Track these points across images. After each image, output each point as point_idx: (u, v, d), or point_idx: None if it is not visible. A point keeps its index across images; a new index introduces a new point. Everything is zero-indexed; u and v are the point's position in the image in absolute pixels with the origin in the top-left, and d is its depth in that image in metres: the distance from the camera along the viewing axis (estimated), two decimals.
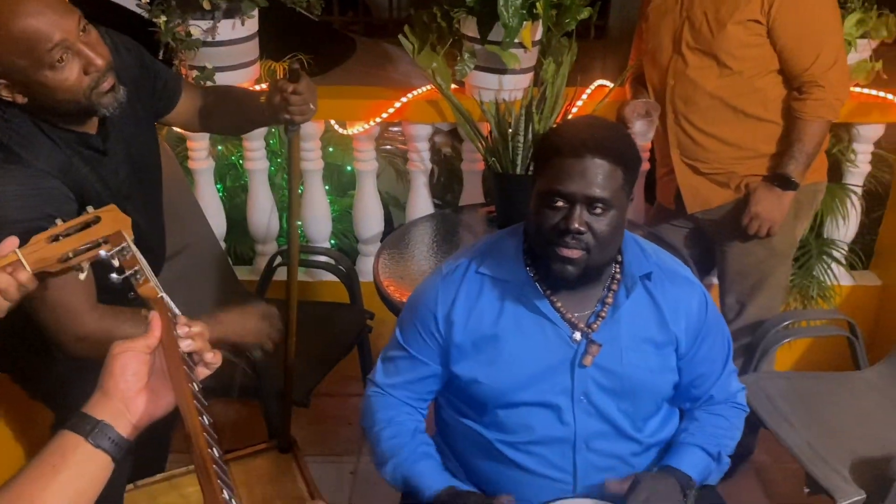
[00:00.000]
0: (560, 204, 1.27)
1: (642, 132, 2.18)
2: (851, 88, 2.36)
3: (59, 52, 1.27)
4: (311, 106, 1.57)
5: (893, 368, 2.14)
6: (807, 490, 1.88)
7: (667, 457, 1.44)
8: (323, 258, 2.55)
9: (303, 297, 2.07)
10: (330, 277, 2.56)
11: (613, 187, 1.26)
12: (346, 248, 2.87)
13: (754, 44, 1.98)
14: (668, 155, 2.21)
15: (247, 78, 2.43)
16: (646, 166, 2.59)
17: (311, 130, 2.51)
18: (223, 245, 2.63)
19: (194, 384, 0.88)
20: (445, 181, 3.17)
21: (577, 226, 1.25)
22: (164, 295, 0.94)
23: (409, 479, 1.41)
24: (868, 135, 2.55)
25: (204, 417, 0.85)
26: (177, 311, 0.95)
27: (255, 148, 2.57)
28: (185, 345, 0.91)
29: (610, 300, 1.37)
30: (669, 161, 2.22)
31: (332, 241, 2.81)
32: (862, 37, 2.33)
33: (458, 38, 2.38)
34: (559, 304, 1.37)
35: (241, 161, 2.76)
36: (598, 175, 1.25)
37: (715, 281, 2.41)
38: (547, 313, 1.36)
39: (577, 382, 1.36)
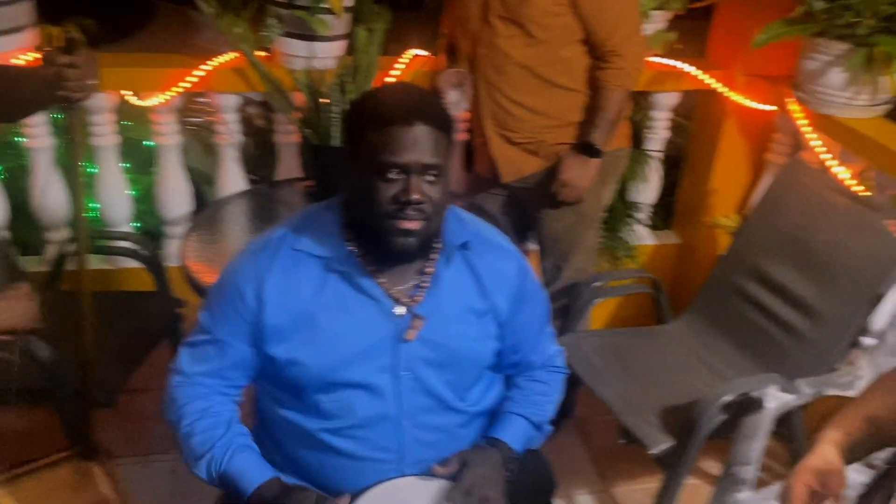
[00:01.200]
0: (395, 175, 1.22)
1: (456, 102, 2.17)
2: (649, 58, 2.50)
3: None
4: (90, 81, 1.39)
5: (693, 320, 2.31)
6: (621, 441, 1.99)
7: (491, 428, 1.44)
8: (124, 243, 2.33)
9: (102, 287, 1.88)
10: (133, 264, 2.35)
11: (443, 153, 1.24)
12: (154, 230, 2.65)
13: (559, 13, 2.02)
14: (482, 125, 2.22)
15: (20, 44, 2.14)
16: (464, 136, 2.60)
17: (102, 102, 2.27)
18: (6, 234, 2.33)
19: None
20: (260, 155, 3.01)
21: (416, 196, 1.22)
22: None
23: (227, 474, 1.31)
24: (665, 102, 2.72)
25: None
26: None
27: (37, 124, 2.28)
28: None
29: (430, 270, 1.34)
30: (484, 131, 2.23)
31: (137, 224, 2.58)
32: (657, 8, 2.46)
33: (264, 3, 2.24)
34: (380, 279, 1.32)
35: (20, 139, 2.45)
36: (428, 141, 1.22)
37: (533, 247, 2.47)
38: (368, 289, 1.31)
39: (401, 358, 1.33)
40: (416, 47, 2.53)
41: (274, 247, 1.33)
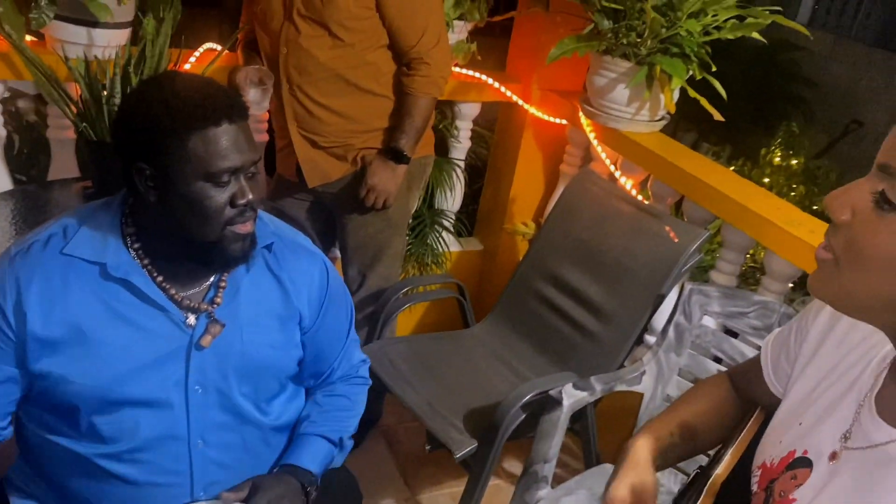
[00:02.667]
0: (224, 181, 1.14)
1: (256, 101, 2.07)
2: (452, 68, 2.54)
3: None
4: None
5: (495, 323, 2.36)
6: (428, 447, 1.98)
7: (287, 454, 1.36)
8: None
9: None
10: None
11: (255, 146, 1.18)
12: None
13: (364, 17, 1.99)
14: (286, 127, 2.14)
15: None
16: (264, 137, 2.49)
17: None
18: None
19: None
20: (30, 152, 2.69)
21: (252, 197, 1.16)
22: None
23: None
24: (468, 112, 2.78)
25: None
26: None
27: None
28: None
29: (228, 274, 1.24)
30: (287, 133, 2.15)
31: None
32: (459, 18, 2.51)
33: None
34: (169, 286, 1.20)
35: None
36: (244, 138, 1.15)
37: (338, 254, 2.41)
38: (154, 297, 1.18)
39: (193, 371, 1.21)
40: (212, 42, 2.38)
41: (37, 251, 1.16)
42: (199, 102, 1.11)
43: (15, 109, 2.69)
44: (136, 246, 1.19)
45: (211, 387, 1.24)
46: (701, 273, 2.33)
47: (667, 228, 2.08)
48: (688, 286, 1.86)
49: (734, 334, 1.83)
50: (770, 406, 1.05)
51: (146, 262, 1.19)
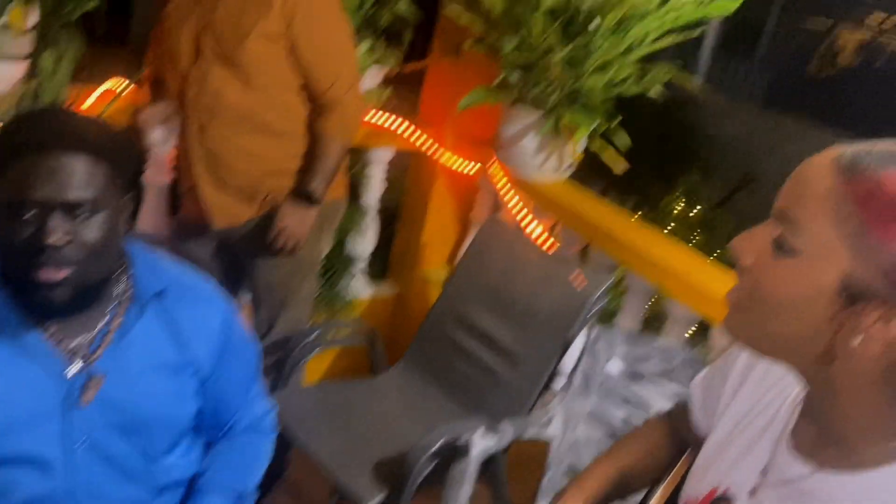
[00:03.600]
0: (29, 215, 1.02)
1: (161, 140, 2.01)
2: (365, 113, 2.55)
3: None
4: None
5: (407, 370, 2.34)
6: (333, 500, 1.92)
7: None
8: None
9: None
10: None
11: (98, 185, 1.06)
12: None
13: (276, 59, 1.97)
14: (192, 168, 2.08)
15: None
16: (168, 178, 2.41)
17: None
18: None
19: None
20: None
21: (52, 241, 1.02)
22: None
23: None
24: (380, 157, 2.78)
25: None
26: None
27: None
28: None
29: (118, 322, 1.17)
30: (193, 174, 2.09)
31: None
32: (372, 65, 2.53)
33: None
34: (50, 332, 1.12)
35: None
36: (75, 172, 1.03)
37: (246, 298, 2.35)
38: (29, 344, 1.10)
39: (75, 426, 1.13)
40: (113, 82, 2.31)
41: None
42: (27, 128, 1.05)
43: None
44: (10, 286, 1.11)
45: (96, 442, 1.16)
46: (607, 318, 2.38)
47: (573, 274, 2.12)
48: (594, 330, 1.90)
49: (641, 377, 1.87)
50: (699, 447, 1.06)
51: (21, 302, 1.11)
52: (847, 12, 9.95)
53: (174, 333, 1.23)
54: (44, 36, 2.04)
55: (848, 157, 0.73)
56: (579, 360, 1.91)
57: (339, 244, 2.82)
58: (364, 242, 2.86)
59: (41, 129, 1.04)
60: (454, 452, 1.77)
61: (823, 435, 0.81)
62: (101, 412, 1.15)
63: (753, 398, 0.96)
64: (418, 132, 2.72)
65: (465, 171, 2.75)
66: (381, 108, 2.65)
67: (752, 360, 0.99)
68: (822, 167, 0.74)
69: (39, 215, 1.03)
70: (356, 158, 2.80)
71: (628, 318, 2.23)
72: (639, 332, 2.19)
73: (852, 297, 0.72)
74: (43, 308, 1.10)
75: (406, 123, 2.70)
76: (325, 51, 2.00)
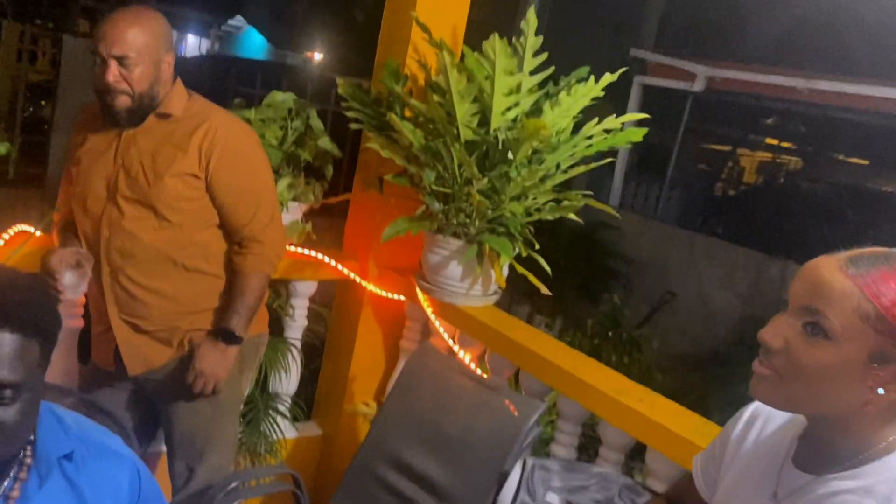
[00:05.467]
0: None
1: (73, 285, 1.92)
2: (287, 247, 2.53)
3: None
4: None
5: None
6: None
7: None
8: None
9: None
10: None
11: (28, 365, 1.00)
12: None
13: (193, 197, 1.95)
14: (105, 312, 1.99)
15: None
16: (79, 322, 2.30)
17: None
18: None
19: None
20: None
21: None
22: None
23: None
24: (303, 290, 2.74)
25: None
26: None
27: None
28: None
29: (16, 494, 1.07)
30: (106, 318, 2.00)
31: None
32: (293, 200, 2.53)
33: None
34: None
35: None
36: (5, 355, 0.97)
37: (162, 448, 2.20)
38: None
39: None
40: (26, 224, 2.23)
41: None
42: None
43: None
44: None
45: None
46: (542, 446, 2.33)
47: (506, 402, 2.08)
48: (529, 461, 1.84)
49: None
50: None
51: None
52: (744, 137, 10.77)
53: (79, 498, 1.13)
54: None
55: (852, 261, 0.97)
56: (516, 494, 1.83)
57: (262, 382, 2.70)
58: (288, 379, 2.76)
59: None
60: None
61: (823, 452, 1.05)
62: None
63: (755, 448, 1.19)
64: (344, 261, 2.71)
65: (392, 298, 2.73)
66: (302, 242, 2.63)
67: (751, 419, 1.22)
68: (833, 270, 0.98)
69: None
70: (278, 292, 2.75)
71: (563, 446, 2.19)
72: (574, 459, 2.14)
73: (877, 361, 0.96)
74: None
75: (332, 253, 2.69)
76: (242, 188, 1.99)
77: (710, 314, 6.53)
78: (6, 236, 2.14)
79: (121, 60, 1.83)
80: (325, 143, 2.59)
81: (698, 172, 10.81)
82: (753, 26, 9.24)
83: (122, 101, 1.86)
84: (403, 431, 2.20)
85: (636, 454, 2.21)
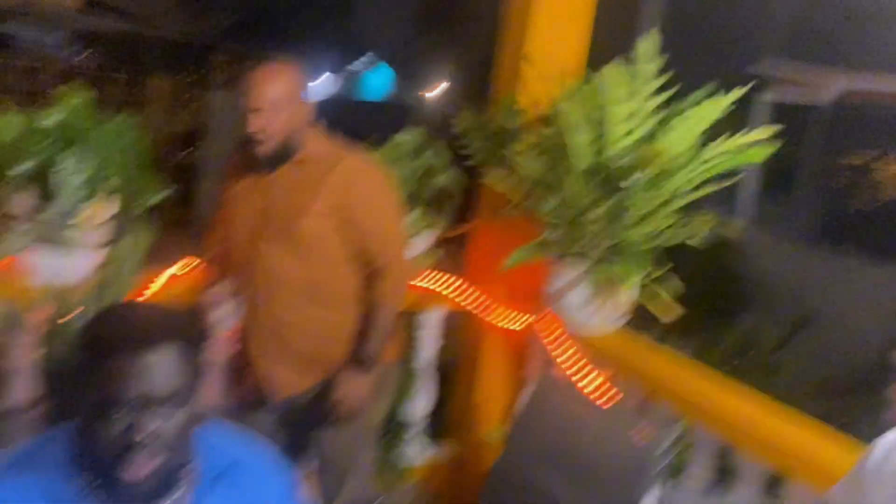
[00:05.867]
0: (120, 413, 1.07)
1: (223, 318, 2.10)
2: (414, 279, 2.63)
3: None
4: None
5: None
6: None
7: None
8: None
9: None
10: None
11: (183, 378, 1.11)
12: None
13: (328, 236, 2.07)
14: (252, 341, 2.15)
15: None
16: (229, 353, 2.48)
17: None
18: None
19: None
20: None
21: (143, 439, 1.07)
22: None
23: None
24: (431, 319, 2.83)
25: None
26: None
27: None
28: None
29: None
30: (253, 347, 2.15)
31: None
32: (421, 232, 2.64)
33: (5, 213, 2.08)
34: None
35: None
36: (162, 370, 1.09)
37: (307, 469, 2.33)
38: None
39: None
40: (180, 264, 2.45)
41: None
42: (117, 330, 1.10)
43: None
44: (85, 474, 1.14)
45: None
46: (674, 474, 2.28)
47: (635, 430, 2.06)
48: (662, 490, 1.82)
49: None
50: None
51: (94, 489, 1.13)
52: (884, 146, 10.06)
53: None
54: (119, 227, 2.20)
55: None
56: None
57: (394, 409, 2.81)
58: (417, 405, 2.85)
59: (129, 328, 1.10)
60: None
61: None
62: None
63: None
64: (468, 291, 2.78)
65: (515, 328, 2.76)
66: (430, 271, 2.73)
67: (889, 452, 1.18)
68: None
69: (130, 413, 1.07)
70: (408, 321, 2.85)
71: (696, 475, 2.13)
72: (709, 489, 2.08)
73: None
74: (120, 500, 1.12)
75: (455, 283, 2.77)
76: (374, 226, 2.11)
77: (850, 336, 6.14)
78: (165, 276, 2.36)
79: (260, 112, 1.99)
80: (449, 176, 2.69)
81: (831, 187, 10.20)
82: (887, 31, 8.69)
83: (264, 149, 2.03)
84: (532, 457, 2.23)
85: (776, 483, 2.13)
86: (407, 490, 2.64)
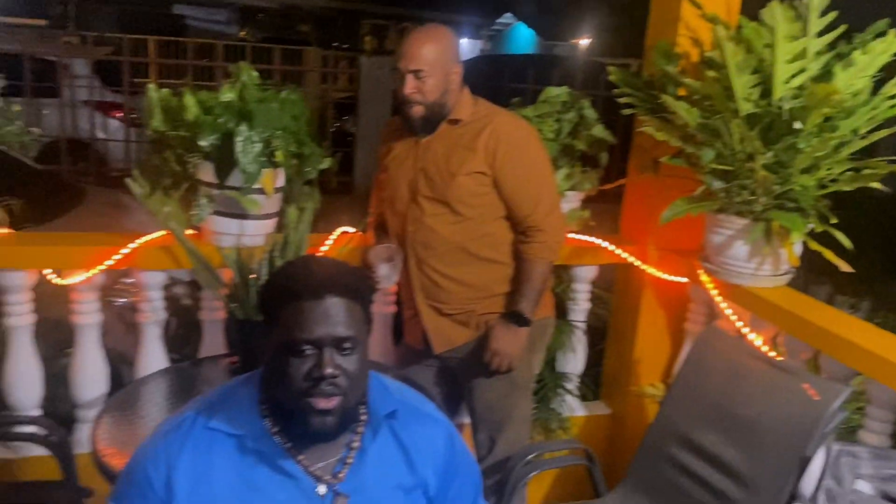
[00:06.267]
0: (307, 351, 1.20)
1: (386, 276, 2.22)
2: (567, 234, 2.64)
3: None
4: None
5: (628, 492, 2.26)
6: None
7: None
8: (30, 428, 2.18)
9: (2, 477, 1.72)
10: (39, 451, 2.19)
11: (356, 324, 1.23)
12: (64, 415, 2.50)
13: (482, 192, 2.14)
14: (413, 298, 2.26)
15: None
16: (392, 308, 2.62)
17: (19, 281, 2.22)
18: None
19: None
20: (184, 333, 2.95)
21: (330, 370, 1.19)
22: None
23: None
24: (585, 275, 2.83)
25: None
26: None
27: None
28: None
29: (356, 444, 1.29)
30: (414, 304, 2.26)
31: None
32: (570, 189, 2.63)
33: (194, 184, 2.30)
34: (301, 457, 1.26)
35: None
36: (340, 314, 1.21)
37: (466, 420, 2.43)
38: (288, 468, 1.25)
39: None
40: (345, 226, 2.61)
41: (187, 426, 1.26)
42: (300, 276, 1.22)
43: (171, 295, 2.98)
44: (268, 416, 1.27)
45: None
46: (848, 433, 2.16)
47: (804, 386, 1.98)
48: (835, 447, 1.75)
49: (893, 499, 1.67)
50: None
51: (276, 430, 1.26)
52: None
53: (404, 454, 1.33)
54: (288, 194, 2.37)
55: None
56: (820, 480, 1.75)
57: (551, 363, 2.85)
58: (575, 360, 2.87)
59: (313, 276, 1.22)
60: None
61: None
62: None
63: None
64: (621, 248, 2.75)
65: (674, 283, 2.71)
66: (582, 228, 2.72)
67: None
68: None
69: (314, 352, 1.20)
70: (561, 277, 2.87)
71: (874, 433, 2.02)
72: (888, 447, 1.97)
73: None
74: (305, 436, 1.25)
75: (608, 240, 2.75)
76: (525, 182, 2.14)
77: None
78: (332, 238, 2.51)
79: (416, 74, 2.06)
80: (599, 131, 2.65)
81: None
82: None
83: (418, 111, 2.10)
84: (694, 413, 2.20)
85: None
86: (563, 443, 2.69)
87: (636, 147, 2.75)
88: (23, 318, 2.27)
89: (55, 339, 2.64)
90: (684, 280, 2.68)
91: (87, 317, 2.34)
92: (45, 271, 2.29)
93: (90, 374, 2.38)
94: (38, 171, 3.88)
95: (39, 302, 2.35)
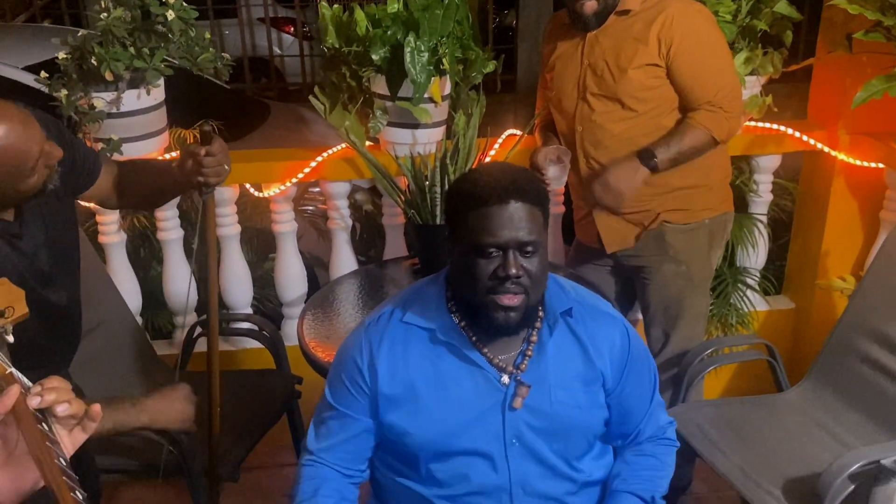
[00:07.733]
0: (493, 253, 1.28)
1: (556, 177, 2.21)
2: (746, 123, 2.50)
3: (34, 162, 1.31)
4: (226, 167, 1.56)
5: (812, 388, 2.21)
6: None
7: None
8: (245, 325, 2.48)
9: (225, 367, 2.00)
10: (254, 344, 2.50)
11: (537, 227, 1.29)
12: (271, 312, 2.81)
13: (655, 86, 2.06)
14: (585, 198, 2.25)
15: (156, 147, 2.39)
16: (561, 209, 2.65)
17: (227, 195, 2.48)
18: (139, 319, 2.53)
19: (61, 459, 0.82)
20: (368, 237, 3.17)
21: (514, 271, 1.26)
22: (14, 370, 0.87)
23: None
24: (766, 165, 2.69)
25: (77, 493, 0.80)
26: (28, 383, 0.88)
27: (168, 217, 2.51)
28: (35, 402, 0.82)
29: (535, 339, 1.37)
30: (587, 204, 2.26)
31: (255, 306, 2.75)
32: (750, 74, 2.47)
33: (369, 97, 2.41)
34: (485, 349, 1.36)
35: (153, 232, 2.69)
36: (523, 218, 1.27)
37: (639, 316, 2.45)
38: (474, 359, 1.35)
39: (509, 426, 1.35)
40: (512, 127, 2.63)
41: (385, 321, 1.40)
42: (484, 183, 1.29)
43: (354, 202, 3.20)
44: (455, 311, 1.37)
45: (525, 442, 1.36)
46: None
47: None
48: None
49: None
50: None
51: (463, 324, 1.36)
52: None
53: (581, 349, 1.39)
54: (455, 101, 2.42)
55: None
56: None
57: (731, 258, 2.77)
58: (756, 254, 2.77)
59: (495, 184, 1.28)
60: (876, 476, 1.64)
61: None
62: (528, 417, 1.36)
63: None
64: (808, 134, 2.57)
65: (867, 169, 2.51)
66: (761, 116, 2.56)
67: None
68: None
69: (500, 254, 1.28)
70: (741, 168, 2.74)
71: None
72: None
73: None
74: (489, 330, 1.34)
75: (793, 126, 2.57)
76: (703, 69, 2.03)
77: None
78: (500, 141, 2.55)
79: None
80: (783, 7, 2.43)
81: None
82: None
83: (590, 6, 2.03)
84: (889, 306, 2.08)
85: None
86: (743, 338, 2.64)
87: (825, 22, 2.51)
88: (231, 228, 2.55)
89: (259, 246, 2.94)
90: (880, 166, 2.47)
91: (285, 225, 2.59)
92: (246, 185, 2.54)
93: (291, 276, 2.64)
94: (227, 91, 4.19)
95: (242, 213, 2.62)
